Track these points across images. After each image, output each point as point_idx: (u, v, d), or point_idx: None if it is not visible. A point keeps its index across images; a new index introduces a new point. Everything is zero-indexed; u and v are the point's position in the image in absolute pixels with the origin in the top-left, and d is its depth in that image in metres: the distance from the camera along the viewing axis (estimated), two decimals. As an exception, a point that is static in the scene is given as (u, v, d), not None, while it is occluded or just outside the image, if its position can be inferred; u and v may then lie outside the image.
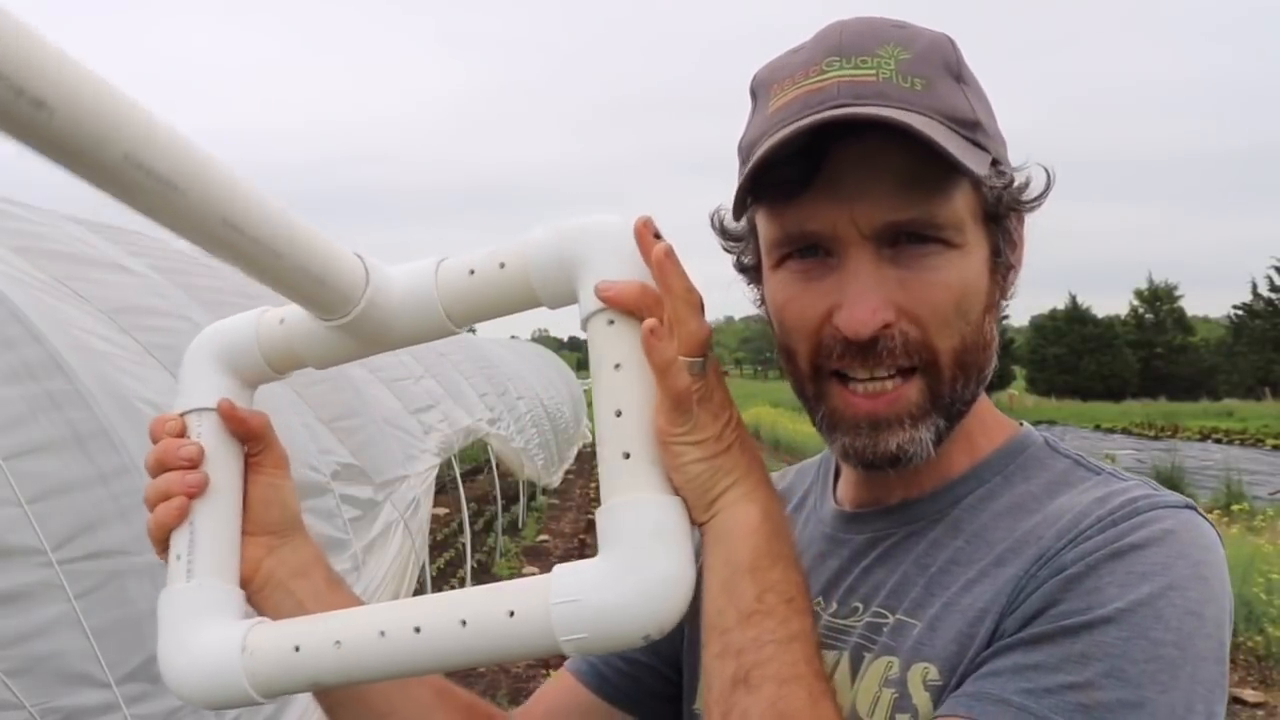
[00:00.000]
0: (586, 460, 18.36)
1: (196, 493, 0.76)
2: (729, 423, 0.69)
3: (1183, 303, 48.70)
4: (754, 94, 0.78)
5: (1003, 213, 0.74)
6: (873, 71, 0.70)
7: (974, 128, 0.72)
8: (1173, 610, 0.63)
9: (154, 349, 2.97)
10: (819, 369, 0.74)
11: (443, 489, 11.13)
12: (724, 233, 0.83)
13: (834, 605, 0.80)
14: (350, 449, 4.08)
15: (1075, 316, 44.32)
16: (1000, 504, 0.76)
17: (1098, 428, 26.24)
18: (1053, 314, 45.89)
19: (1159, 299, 48.32)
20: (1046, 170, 0.76)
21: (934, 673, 0.69)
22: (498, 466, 10.40)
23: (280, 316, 0.78)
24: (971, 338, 0.73)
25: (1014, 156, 0.77)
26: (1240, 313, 43.07)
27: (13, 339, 2.26)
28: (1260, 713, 5.19)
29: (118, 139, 0.47)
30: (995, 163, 0.73)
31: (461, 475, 10.02)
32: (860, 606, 0.78)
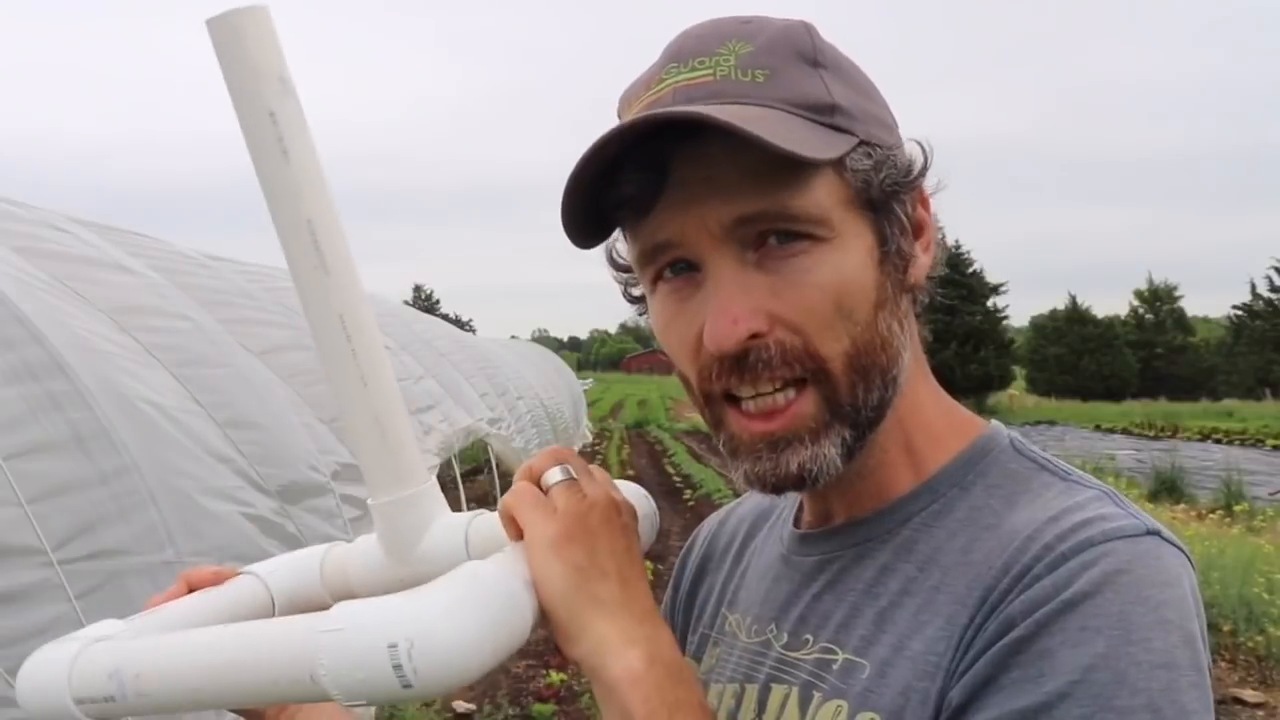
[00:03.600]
0: (586, 460, 18.32)
1: (196, 583, 0.78)
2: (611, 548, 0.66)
3: (1183, 303, 48.76)
4: (619, 116, 0.74)
5: (879, 197, 0.69)
6: (709, 72, 0.67)
7: (829, 111, 0.67)
8: (1136, 669, 0.57)
9: (154, 349, 2.98)
10: (708, 394, 0.70)
11: (443, 489, 11.11)
12: (614, 264, 0.79)
13: (785, 636, 0.77)
14: (350, 449, 4.07)
15: (1075, 316, 44.27)
16: (955, 519, 0.71)
17: (1098, 428, 26.24)
18: (1053, 314, 45.84)
19: (1159, 299, 48.32)
20: (922, 146, 0.72)
21: None
22: (498, 466, 10.39)
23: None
24: (863, 338, 0.68)
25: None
26: (1240, 313, 43.05)
27: (13, 339, 2.26)
28: (1260, 713, 5.19)
29: (309, 206, 0.62)
30: (865, 146, 0.68)
31: (461, 475, 10.02)
32: (810, 639, 0.74)
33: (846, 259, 0.67)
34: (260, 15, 0.59)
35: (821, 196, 0.66)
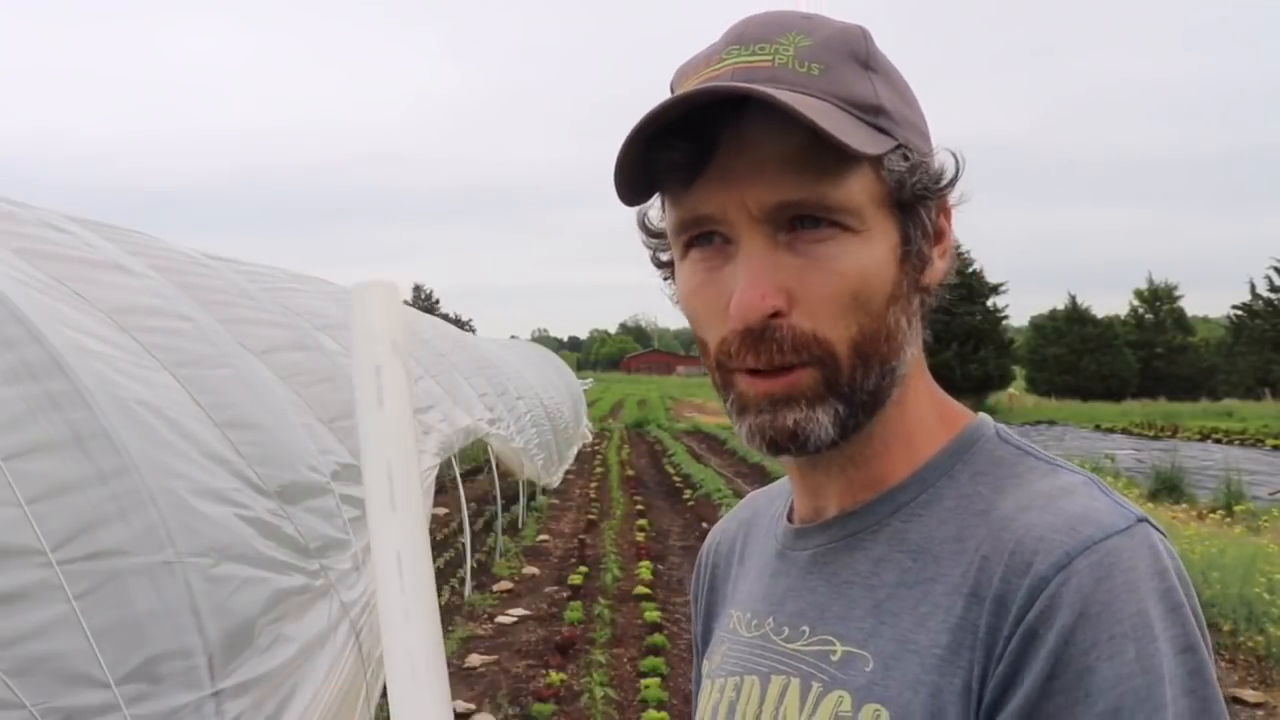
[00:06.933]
0: (586, 460, 18.37)
1: None
2: None
3: (1183, 303, 48.72)
4: (671, 89, 0.78)
5: (908, 199, 0.73)
6: (769, 58, 0.71)
7: (875, 112, 0.71)
8: (1167, 662, 0.62)
9: (154, 350, 2.98)
10: (722, 363, 0.74)
11: (443, 489, 11.12)
12: (646, 230, 0.83)
13: (784, 629, 0.80)
14: (350, 449, 4.08)
15: (1075, 316, 44.23)
16: (944, 507, 0.74)
17: (1098, 428, 26.25)
18: (1052, 314, 45.80)
19: (1159, 299, 48.30)
20: (955, 156, 0.76)
21: (885, 717, 0.69)
22: (497, 466, 10.40)
23: None
24: (871, 328, 0.72)
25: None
26: (1240, 313, 43.04)
27: (13, 339, 2.26)
28: (1260, 713, 5.20)
29: (391, 450, 0.69)
30: (903, 149, 0.72)
31: (461, 475, 10.02)
32: (807, 630, 0.78)
33: (871, 252, 0.71)
34: (390, 289, 0.70)
35: (857, 190, 0.70)
